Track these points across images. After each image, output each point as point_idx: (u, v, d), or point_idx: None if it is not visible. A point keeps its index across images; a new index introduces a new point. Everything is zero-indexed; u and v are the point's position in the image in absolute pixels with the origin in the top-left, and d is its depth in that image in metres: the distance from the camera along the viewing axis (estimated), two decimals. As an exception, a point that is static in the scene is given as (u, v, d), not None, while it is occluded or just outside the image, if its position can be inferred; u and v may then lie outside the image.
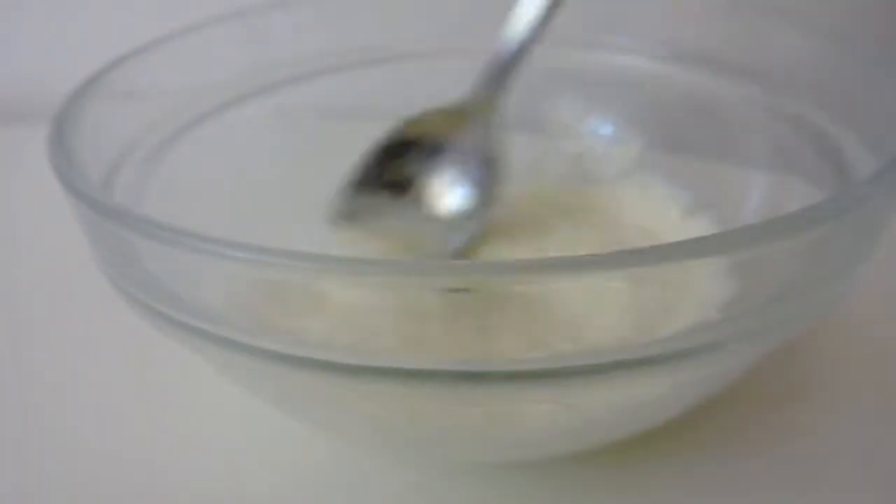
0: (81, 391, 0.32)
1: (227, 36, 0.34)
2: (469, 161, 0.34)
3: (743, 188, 0.32)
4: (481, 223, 0.33)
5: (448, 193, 0.34)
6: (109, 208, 0.22)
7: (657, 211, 0.33)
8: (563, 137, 0.37)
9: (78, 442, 0.29)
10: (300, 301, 0.23)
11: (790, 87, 0.31)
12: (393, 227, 0.34)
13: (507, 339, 0.23)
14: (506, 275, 0.19)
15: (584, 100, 0.36)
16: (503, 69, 0.33)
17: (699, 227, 0.32)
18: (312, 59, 0.36)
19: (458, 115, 0.34)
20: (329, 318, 0.24)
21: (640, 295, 0.21)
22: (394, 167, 0.34)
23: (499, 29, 0.33)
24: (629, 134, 0.35)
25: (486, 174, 0.34)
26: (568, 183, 0.36)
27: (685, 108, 0.33)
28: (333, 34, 0.36)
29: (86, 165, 0.26)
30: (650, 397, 0.23)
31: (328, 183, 0.34)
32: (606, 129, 0.36)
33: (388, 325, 0.22)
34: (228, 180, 0.33)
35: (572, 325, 0.25)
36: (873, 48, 0.27)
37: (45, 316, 0.36)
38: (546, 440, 0.25)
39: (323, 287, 0.22)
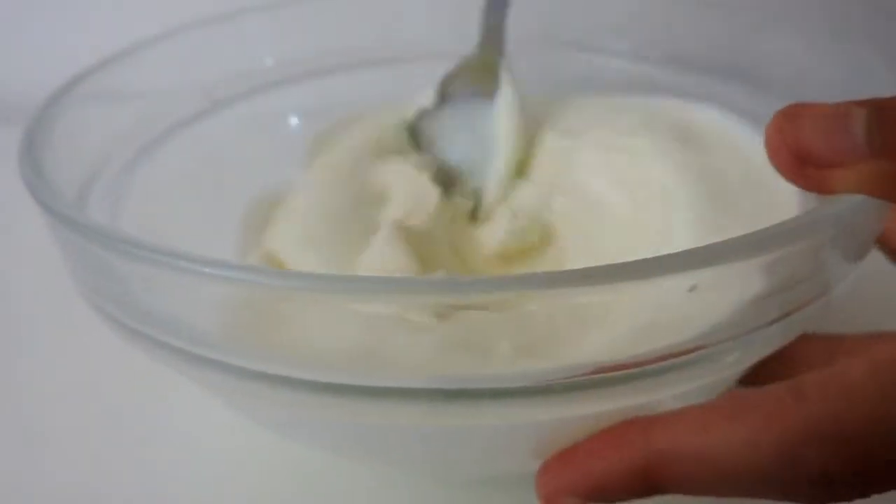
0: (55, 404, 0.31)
1: (206, 41, 0.33)
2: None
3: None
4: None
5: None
6: (85, 226, 0.21)
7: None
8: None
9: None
10: (290, 319, 0.22)
11: (778, 89, 0.30)
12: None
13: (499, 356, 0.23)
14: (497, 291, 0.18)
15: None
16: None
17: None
18: (293, 64, 0.35)
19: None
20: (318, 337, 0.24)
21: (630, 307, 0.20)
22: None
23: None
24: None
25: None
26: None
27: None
28: (313, 39, 0.35)
29: (60, 175, 0.25)
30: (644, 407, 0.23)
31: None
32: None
33: (377, 342, 0.21)
34: (211, 187, 0.32)
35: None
36: (868, 53, 0.27)
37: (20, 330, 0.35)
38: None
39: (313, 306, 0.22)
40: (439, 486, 0.27)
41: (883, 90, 0.25)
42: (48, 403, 0.31)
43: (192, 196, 0.31)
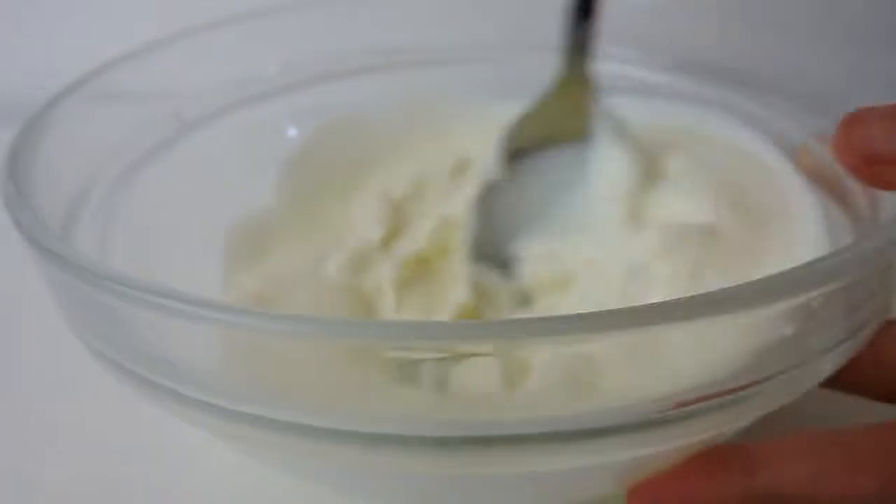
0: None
1: (206, 47, 0.32)
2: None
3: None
4: None
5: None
6: (76, 266, 0.20)
7: None
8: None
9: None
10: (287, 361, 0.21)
11: (783, 95, 0.30)
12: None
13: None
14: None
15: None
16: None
17: None
18: (287, 74, 0.34)
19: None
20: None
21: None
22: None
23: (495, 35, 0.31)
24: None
25: None
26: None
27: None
28: (320, 44, 0.34)
29: (47, 192, 0.24)
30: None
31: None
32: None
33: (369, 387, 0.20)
34: (204, 202, 0.31)
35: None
36: (872, 59, 0.27)
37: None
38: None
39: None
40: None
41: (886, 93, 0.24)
42: (47, 432, 0.30)
43: (185, 212, 0.30)
